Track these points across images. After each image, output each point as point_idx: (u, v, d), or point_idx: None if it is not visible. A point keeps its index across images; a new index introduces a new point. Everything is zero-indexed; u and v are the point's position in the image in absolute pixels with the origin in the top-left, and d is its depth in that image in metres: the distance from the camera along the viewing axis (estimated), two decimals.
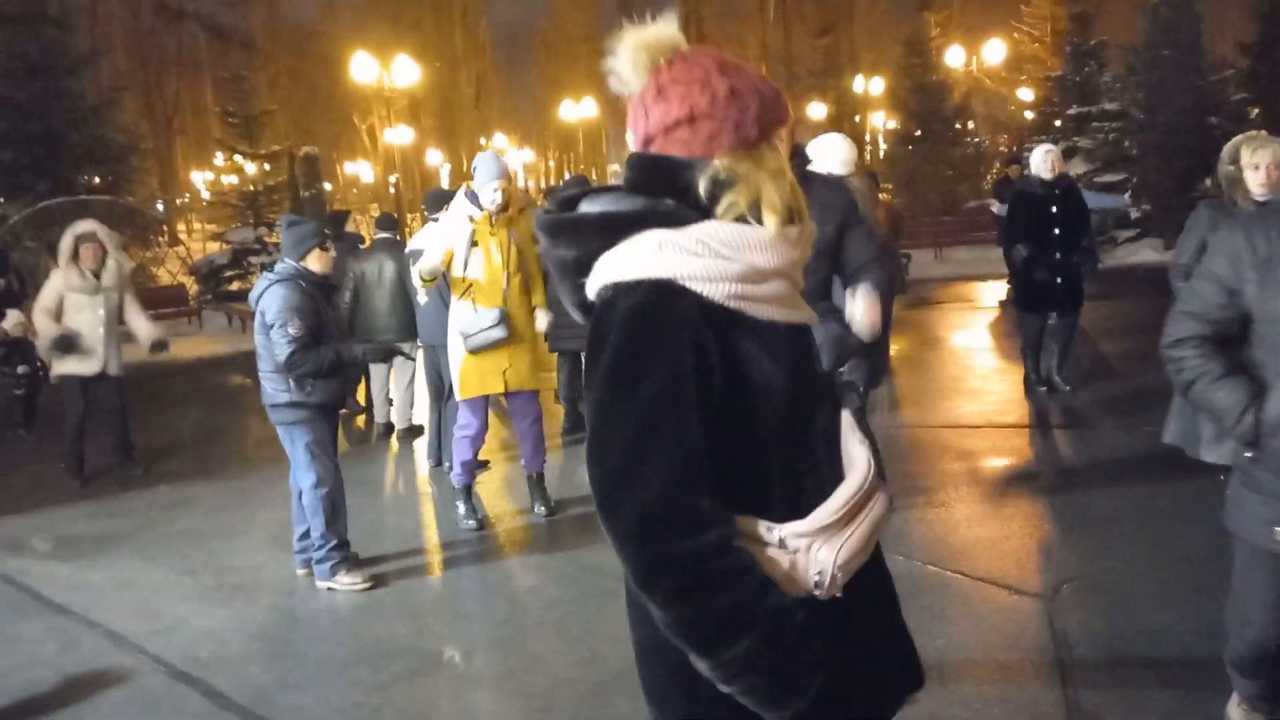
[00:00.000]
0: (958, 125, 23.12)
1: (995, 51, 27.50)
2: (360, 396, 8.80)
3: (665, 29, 1.55)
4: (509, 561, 5.08)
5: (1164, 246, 15.92)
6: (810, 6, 31.29)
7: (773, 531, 1.49)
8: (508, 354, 5.23)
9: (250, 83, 19.08)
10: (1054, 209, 6.87)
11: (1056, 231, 6.87)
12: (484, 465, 6.38)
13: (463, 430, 5.37)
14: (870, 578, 1.62)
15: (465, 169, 31.42)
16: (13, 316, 7.85)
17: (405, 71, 21.28)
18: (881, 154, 27.76)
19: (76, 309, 6.70)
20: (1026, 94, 27.27)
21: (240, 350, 13.58)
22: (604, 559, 4.88)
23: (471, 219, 5.15)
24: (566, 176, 49.01)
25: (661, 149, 1.52)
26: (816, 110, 30.72)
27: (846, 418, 1.68)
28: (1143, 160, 16.92)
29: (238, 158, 18.94)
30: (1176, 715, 3.23)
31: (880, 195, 8.21)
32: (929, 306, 12.58)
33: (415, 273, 6.77)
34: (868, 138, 30.49)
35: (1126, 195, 16.95)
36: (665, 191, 1.52)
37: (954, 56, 26.02)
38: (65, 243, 6.82)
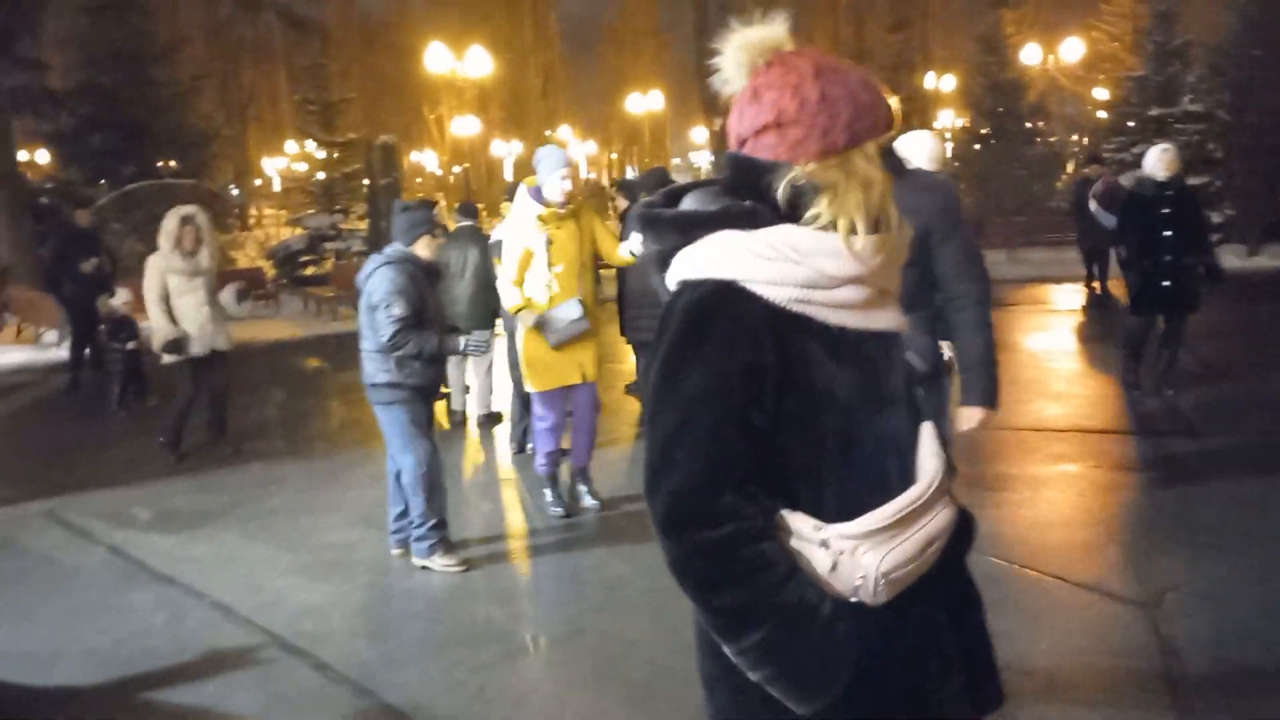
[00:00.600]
0: (1030, 124, 22.70)
1: (1073, 50, 26.95)
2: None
3: (770, 30, 1.55)
4: (598, 550, 5.12)
5: (1247, 253, 15.51)
6: (883, 1, 30.95)
7: (819, 531, 1.52)
8: (582, 345, 5.27)
9: (328, 71, 19.42)
10: (1166, 210, 6.74)
11: (1169, 233, 6.74)
12: (565, 453, 6.45)
13: (542, 422, 5.42)
14: (928, 593, 1.60)
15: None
16: (122, 295, 8.10)
17: (478, 62, 21.46)
18: (949, 152, 27.37)
19: (178, 293, 6.89)
20: (1101, 93, 26.69)
21: (316, 334, 13.90)
22: None
23: (539, 218, 5.14)
24: (630, 170, 49.07)
25: (751, 151, 1.54)
26: None
27: (928, 429, 1.66)
28: (1228, 163, 16.48)
29: (310, 145, 19.29)
30: None
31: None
32: (1004, 309, 12.38)
33: (499, 266, 6.85)
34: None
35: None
36: (748, 193, 1.55)
37: (1030, 54, 25.55)
38: (168, 226, 7.00)
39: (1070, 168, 22.55)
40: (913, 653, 1.61)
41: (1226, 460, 5.84)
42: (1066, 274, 14.40)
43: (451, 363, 8.20)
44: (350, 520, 5.74)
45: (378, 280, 4.68)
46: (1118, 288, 11.17)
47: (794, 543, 1.52)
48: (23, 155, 22.07)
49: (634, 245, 5.34)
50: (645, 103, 41.14)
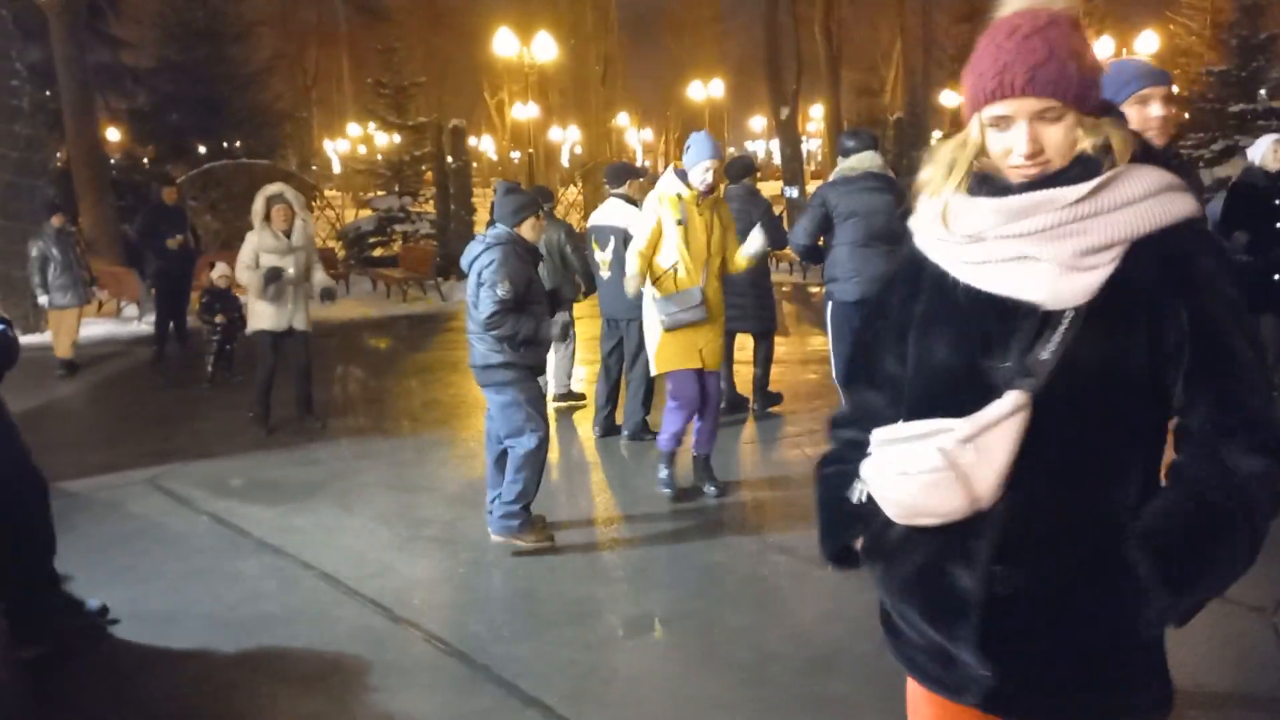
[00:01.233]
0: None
1: (1148, 43, 26.32)
2: None
3: None
4: (694, 536, 5.13)
5: None
6: None
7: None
8: (704, 333, 5.31)
9: (400, 54, 19.58)
10: (1277, 202, 6.56)
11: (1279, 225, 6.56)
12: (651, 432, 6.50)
13: (674, 400, 5.45)
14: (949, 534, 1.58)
15: (589, 147, 31.68)
16: (220, 268, 8.27)
17: (544, 48, 21.51)
18: None
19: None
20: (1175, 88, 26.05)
21: (386, 314, 14.08)
22: (793, 541, 4.91)
23: (680, 197, 5.21)
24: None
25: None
26: (949, 99, 30.00)
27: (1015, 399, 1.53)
28: None
29: (372, 127, 19.45)
30: None
31: None
32: None
33: (598, 251, 6.86)
34: None
35: None
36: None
37: (1104, 47, 25.01)
38: (258, 205, 7.12)
39: None
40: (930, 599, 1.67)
41: None
42: None
43: None
44: (445, 498, 5.82)
45: (486, 260, 4.71)
46: None
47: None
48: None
49: (753, 248, 5.39)
50: (705, 91, 40.95)
